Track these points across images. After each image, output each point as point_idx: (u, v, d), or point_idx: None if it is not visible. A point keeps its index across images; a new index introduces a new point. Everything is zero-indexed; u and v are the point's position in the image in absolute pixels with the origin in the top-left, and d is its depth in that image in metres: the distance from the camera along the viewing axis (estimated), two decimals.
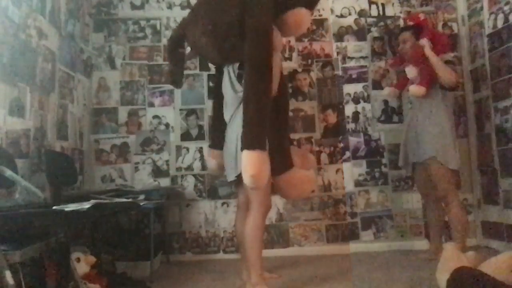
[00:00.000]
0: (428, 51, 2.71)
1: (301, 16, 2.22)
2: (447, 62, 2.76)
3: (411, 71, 2.86)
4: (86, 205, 1.79)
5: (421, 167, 2.80)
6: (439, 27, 3.45)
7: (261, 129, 1.99)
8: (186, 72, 3.36)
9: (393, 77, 3.42)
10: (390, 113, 3.41)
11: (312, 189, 2.39)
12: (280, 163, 2.19)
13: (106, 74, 3.40)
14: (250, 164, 1.93)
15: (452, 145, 2.70)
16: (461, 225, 2.64)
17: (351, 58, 3.48)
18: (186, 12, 3.43)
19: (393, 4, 3.52)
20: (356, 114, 3.41)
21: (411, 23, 2.98)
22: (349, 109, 3.42)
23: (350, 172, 3.35)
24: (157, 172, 3.33)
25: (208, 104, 3.28)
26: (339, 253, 3.18)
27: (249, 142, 1.97)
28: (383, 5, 3.52)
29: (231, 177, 2.27)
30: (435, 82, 2.71)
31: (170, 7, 3.50)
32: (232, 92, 2.25)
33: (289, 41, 3.47)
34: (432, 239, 2.90)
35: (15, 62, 2.21)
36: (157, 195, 2.81)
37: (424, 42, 2.75)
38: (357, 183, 3.34)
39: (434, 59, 2.68)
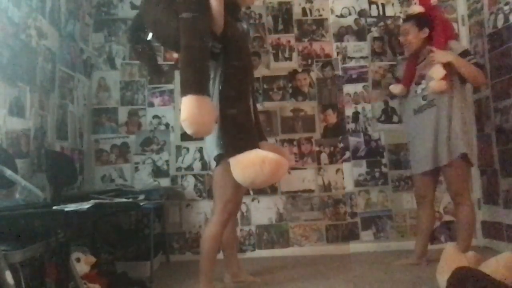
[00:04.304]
0: (448, 58, 2.49)
1: None
2: (466, 55, 2.55)
3: (438, 72, 2.50)
4: (86, 205, 1.79)
5: (448, 166, 2.58)
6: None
7: (192, 72, 1.82)
8: None
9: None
10: (390, 113, 3.41)
11: (274, 176, 1.92)
12: (234, 141, 1.97)
13: (106, 74, 3.40)
14: (182, 110, 1.78)
15: (473, 139, 2.58)
16: (470, 226, 2.56)
17: (351, 58, 3.48)
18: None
19: (393, 4, 3.52)
20: (356, 114, 3.41)
21: (418, 9, 2.73)
22: (349, 109, 3.42)
23: (350, 172, 3.35)
24: (157, 172, 3.33)
25: None
26: (339, 253, 3.18)
27: (181, 88, 1.83)
28: (383, 5, 3.52)
29: (212, 158, 2.17)
30: (454, 74, 2.54)
31: None
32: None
33: (289, 41, 3.47)
34: (419, 243, 2.74)
35: (15, 62, 2.21)
36: (157, 195, 2.81)
37: (436, 53, 2.53)
38: (357, 183, 3.34)
39: (457, 62, 2.49)
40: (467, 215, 2.55)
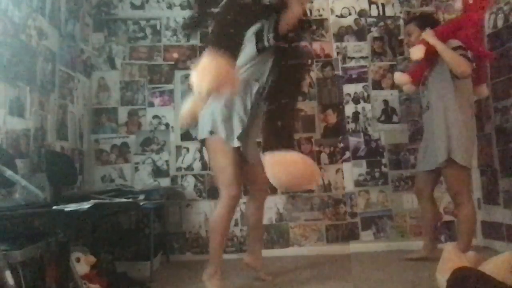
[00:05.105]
0: (432, 40, 2.47)
1: None
2: (457, 49, 2.50)
3: (416, 52, 2.52)
4: (86, 205, 1.79)
5: (445, 168, 2.58)
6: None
7: (224, 34, 1.89)
8: (186, 72, 3.41)
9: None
10: (390, 113, 3.41)
11: (306, 180, 1.95)
12: (274, 137, 2.03)
13: (106, 74, 3.40)
14: (199, 62, 1.77)
15: (469, 141, 2.55)
16: (470, 226, 2.57)
17: (351, 58, 3.47)
18: (186, 12, 3.47)
19: (393, 4, 3.51)
20: (356, 114, 3.41)
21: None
22: (349, 109, 3.42)
23: (350, 172, 3.35)
24: (157, 172, 3.32)
25: None
26: (339, 253, 3.18)
27: (207, 45, 1.92)
28: (383, 5, 3.52)
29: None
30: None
31: (170, 7, 3.50)
32: None
33: None
34: (425, 238, 2.79)
35: (15, 62, 2.21)
36: (157, 195, 2.81)
37: (427, 32, 2.53)
38: (357, 183, 3.34)
39: (440, 47, 2.45)
40: (468, 215, 2.55)
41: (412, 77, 2.78)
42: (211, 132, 2.17)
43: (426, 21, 2.70)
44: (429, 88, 2.66)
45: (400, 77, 2.81)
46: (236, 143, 2.13)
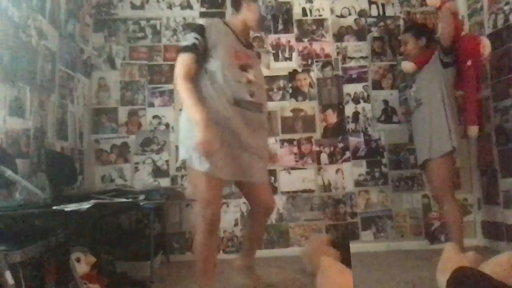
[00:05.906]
0: (449, 8, 2.54)
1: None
2: None
3: (407, 66, 2.85)
4: (86, 205, 1.79)
5: (432, 164, 2.64)
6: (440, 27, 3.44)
7: None
8: None
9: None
10: (390, 113, 3.41)
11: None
12: None
13: (106, 74, 3.40)
14: None
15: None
16: (457, 225, 2.57)
17: (351, 58, 3.48)
18: (186, 12, 3.48)
19: (393, 4, 3.52)
20: (356, 114, 3.41)
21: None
22: (349, 109, 3.42)
23: (350, 172, 3.35)
24: (157, 172, 3.32)
25: None
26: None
27: None
28: (383, 5, 3.52)
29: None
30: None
31: (170, 7, 3.50)
32: None
33: (289, 41, 3.47)
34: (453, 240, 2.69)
35: (15, 62, 2.21)
36: (157, 195, 2.80)
37: (453, 4, 2.61)
38: (357, 183, 3.34)
39: (446, 11, 2.53)
40: (453, 215, 2.57)
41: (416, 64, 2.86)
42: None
43: (421, 31, 2.83)
44: (420, 85, 2.74)
45: (406, 65, 2.90)
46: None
